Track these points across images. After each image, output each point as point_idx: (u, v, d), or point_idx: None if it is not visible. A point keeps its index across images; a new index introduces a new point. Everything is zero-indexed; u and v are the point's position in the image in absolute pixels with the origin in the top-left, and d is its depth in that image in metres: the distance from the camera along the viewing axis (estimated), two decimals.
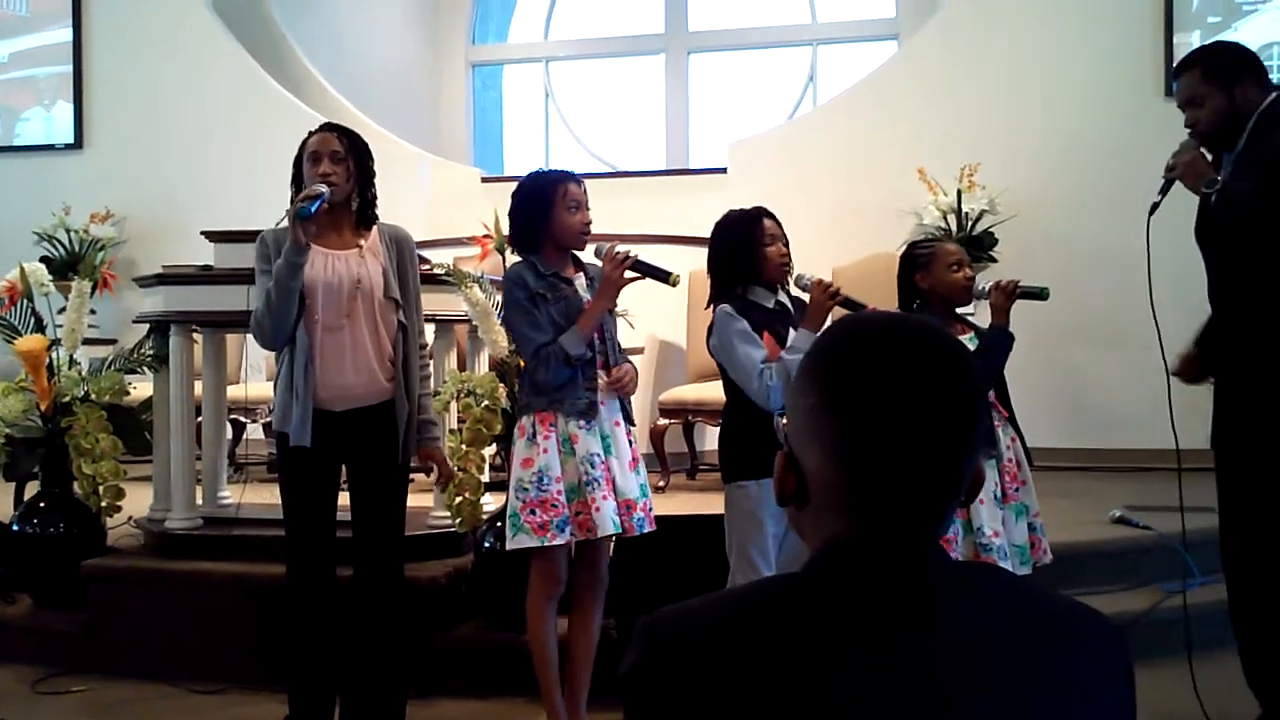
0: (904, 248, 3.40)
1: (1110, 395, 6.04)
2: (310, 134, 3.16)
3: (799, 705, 0.94)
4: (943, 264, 3.22)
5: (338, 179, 3.07)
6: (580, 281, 3.20)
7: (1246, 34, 5.71)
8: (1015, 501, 3.16)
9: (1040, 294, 3.24)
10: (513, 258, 3.73)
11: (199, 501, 4.28)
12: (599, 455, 3.08)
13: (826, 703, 0.94)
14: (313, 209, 2.94)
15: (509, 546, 3.10)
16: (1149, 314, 3.14)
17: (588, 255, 3.28)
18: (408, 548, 3.98)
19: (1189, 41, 6.04)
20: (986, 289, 3.21)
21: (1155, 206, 3.08)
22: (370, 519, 3.18)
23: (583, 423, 3.09)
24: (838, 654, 0.96)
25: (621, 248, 3.15)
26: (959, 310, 3.38)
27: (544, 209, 3.13)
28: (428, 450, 3.24)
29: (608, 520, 3.05)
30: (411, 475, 3.35)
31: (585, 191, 3.18)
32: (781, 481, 1.07)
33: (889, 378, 1.01)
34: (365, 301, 3.10)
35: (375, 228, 3.20)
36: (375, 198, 3.20)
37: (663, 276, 3.18)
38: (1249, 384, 2.94)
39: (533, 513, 3.04)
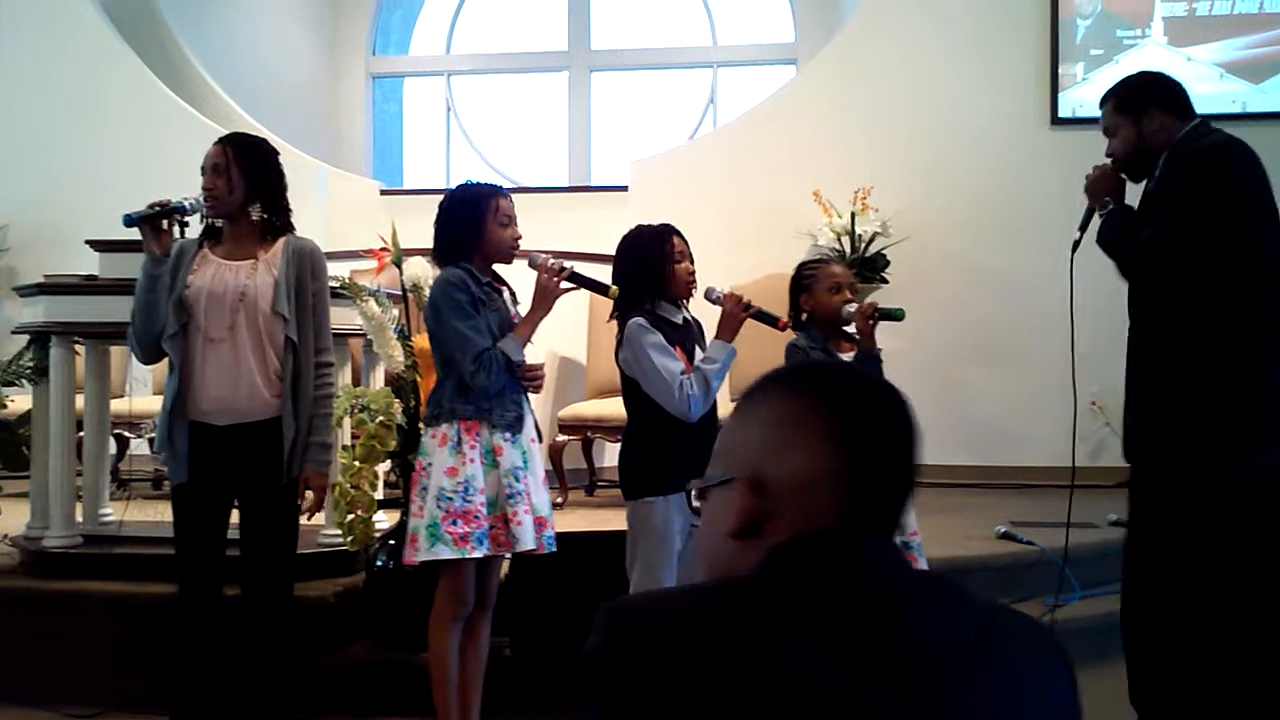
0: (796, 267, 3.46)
1: (998, 413, 6.20)
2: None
3: (762, 699, 0.95)
4: (823, 286, 3.30)
5: (217, 192, 3.02)
6: (505, 295, 3.20)
7: (1127, 66, 5.92)
8: None
9: (895, 315, 3.26)
10: (410, 272, 3.70)
11: (79, 519, 4.14)
12: (522, 469, 3.06)
13: (794, 700, 0.95)
14: (136, 217, 2.91)
15: (421, 558, 3.00)
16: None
17: (511, 271, 3.26)
18: (297, 567, 3.92)
19: (1073, 73, 6.28)
20: (848, 314, 3.25)
21: (1076, 244, 3.15)
22: (256, 539, 3.10)
23: (509, 435, 3.06)
24: (805, 652, 0.97)
25: (555, 260, 3.15)
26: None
27: (476, 222, 3.09)
28: (307, 472, 3.11)
29: (528, 536, 3.02)
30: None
31: (513, 206, 3.17)
32: (745, 511, 1.07)
33: (869, 380, 1.13)
34: (249, 314, 3.03)
35: (282, 240, 3.12)
36: (284, 208, 3.13)
37: (601, 289, 3.19)
38: (1156, 397, 3.02)
39: (454, 523, 2.97)
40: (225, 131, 3.27)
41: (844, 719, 0.95)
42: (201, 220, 3.09)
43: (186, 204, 2.97)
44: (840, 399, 1.08)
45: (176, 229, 3.08)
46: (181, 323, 3.01)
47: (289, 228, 3.15)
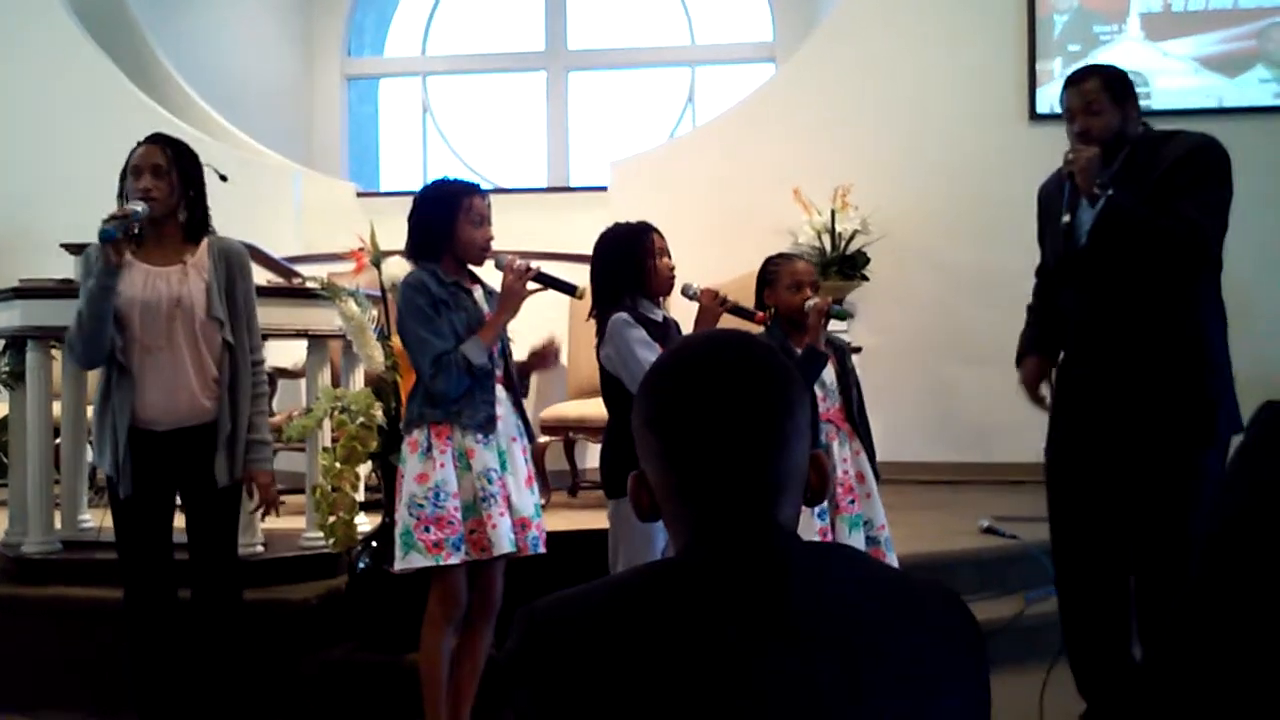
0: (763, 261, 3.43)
1: (980, 409, 6.21)
2: (136, 145, 3.05)
3: (671, 683, 0.99)
4: (783, 283, 3.28)
5: (159, 194, 2.98)
6: (478, 293, 3.14)
7: (1105, 61, 5.96)
8: (849, 514, 3.19)
9: (839, 315, 3.26)
10: (389, 272, 3.68)
11: (57, 525, 4.10)
12: (496, 471, 3.01)
13: (701, 681, 0.99)
14: (115, 232, 2.84)
15: (398, 567, 2.99)
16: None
17: (484, 270, 3.24)
18: (278, 570, 3.90)
19: (1051, 68, 6.31)
20: (808, 308, 3.22)
21: (1067, 225, 3.10)
22: (200, 542, 3.09)
23: (480, 436, 3.01)
24: (703, 632, 1.01)
25: (521, 260, 3.11)
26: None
27: (447, 220, 3.05)
28: (250, 472, 3.10)
29: (504, 538, 2.97)
30: (283, 499, 3.26)
31: (489, 205, 3.12)
32: (636, 499, 1.17)
33: (692, 389, 1.12)
34: (185, 321, 3.00)
35: (205, 242, 3.09)
36: (206, 210, 3.11)
37: (568, 289, 3.16)
38: (1117, 399, 3.03)
39: (427, 530, 2.94)
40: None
41: (748, 678, 0.99)
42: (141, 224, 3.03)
43: (140, 210, 2.92)
44: (663, 415, 1.13)
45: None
46: (118, 333, 2.97)
47: (209, 229, 3.12)
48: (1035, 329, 3.29)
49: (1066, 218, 3.06)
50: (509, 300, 3.06)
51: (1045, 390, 3.26)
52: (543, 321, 4.32)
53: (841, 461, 3.22)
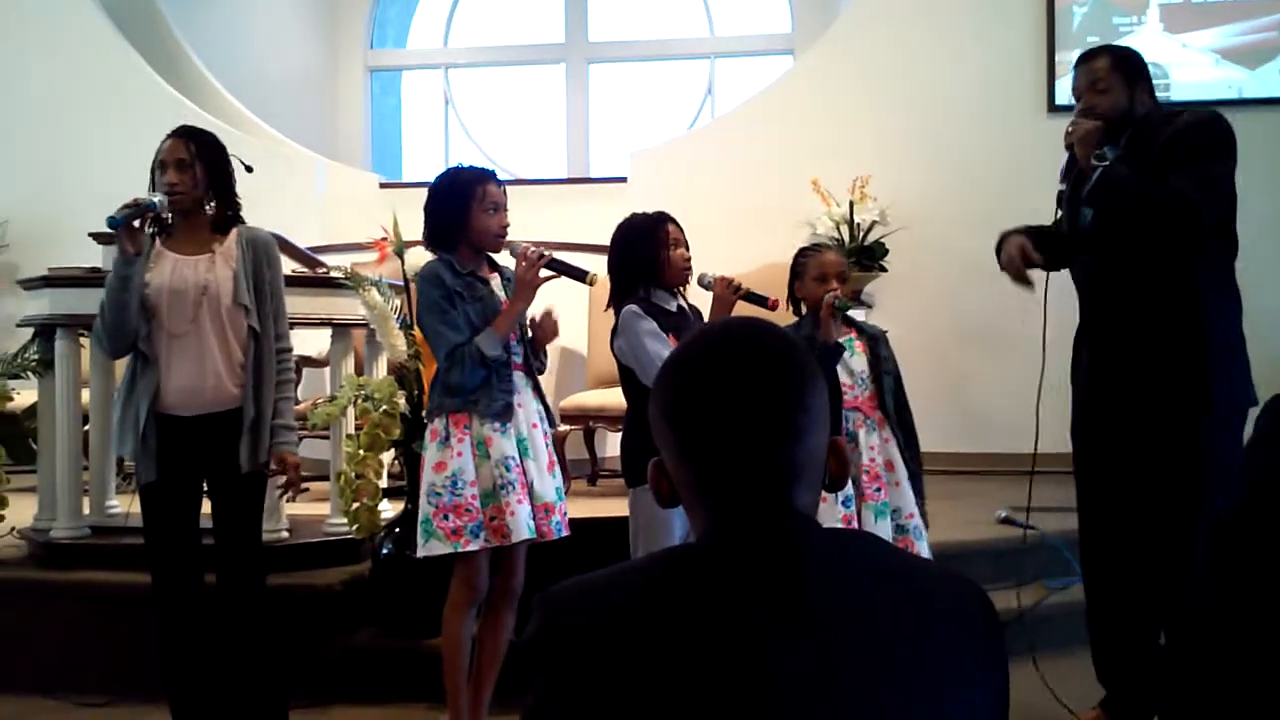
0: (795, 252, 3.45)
1: (998, 400, 6.22)
2: (164, 140, 3.09)
3: (686, 668, 0.99)
4: (810, 275, 3.30)
5: (183, 187, 3.03)
6: (496, 282, 3.17)
7: None
8: (875, 501, 3.20)
9: (842, 307, 3.26)
10: (412, 262, 3.73)
11: (86, 511, 4.16)
12: (514, 459, 3.04)
13: (715, 666, 0.99)
14: (120, 220, 2.87)
15: (420, 554, 3.03)
16: (1036, 322, 3.27)
17: (501, 257, 3.26)
18: (303, 555, 3.95)
19: (1069, 60, 6.25)
20: (825, 305, 3.22)
21: (1061, 196, 3.19)
22: (225, 526, 3.13)
23: (498, 425, 3.04)
24: (718, 618, 1.02)
25: (534, 248, 3.13)
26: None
27: (461, 208, 3.08)
28: (279, 455, 3.12)
29: (523, 525, 3.01)
30: (307, 485, 3.30)
31: (504, 192, 3.14)
32: (656, 486, 1.18)
33: (705, 382, 1.12)
34: (212, 307, 3.05)
35: (235, 231, 3.14)
36: (235, 200, 3.14)
37: (580, 276, 3.17)
38: (1120, 376, 3.05)
39: (445, 518, 2.98)
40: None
41: (762, 664, 1.00)
42: (162, 216, 3.07)
43: (157, 201, 2.96)
44: (678, 407, 1.13)
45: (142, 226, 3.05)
46: (145, 320, 3.02)
47: (239, 219, 3.17)
48: (1033, 227, 3.27)
49: (1062, 186, 3.12)
50: (522, 290, 3.09)
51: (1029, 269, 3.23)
52: (562, 310, 4.36)
53: (869, 449, 3.22)
